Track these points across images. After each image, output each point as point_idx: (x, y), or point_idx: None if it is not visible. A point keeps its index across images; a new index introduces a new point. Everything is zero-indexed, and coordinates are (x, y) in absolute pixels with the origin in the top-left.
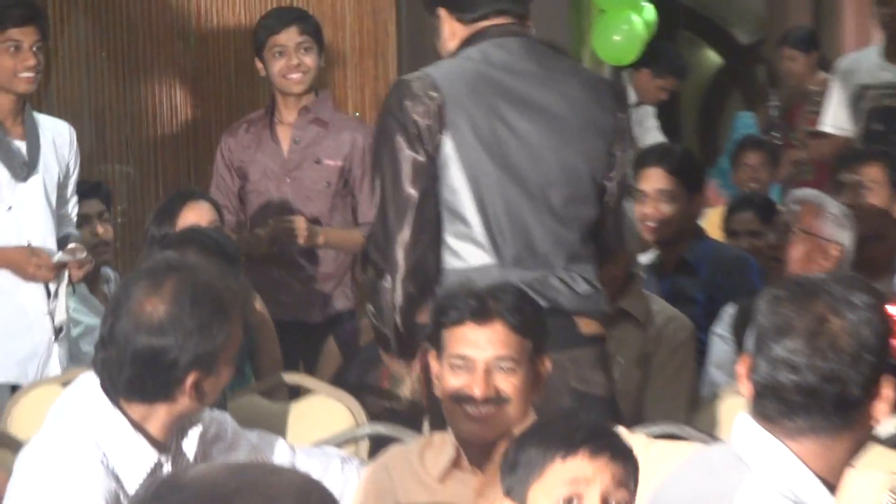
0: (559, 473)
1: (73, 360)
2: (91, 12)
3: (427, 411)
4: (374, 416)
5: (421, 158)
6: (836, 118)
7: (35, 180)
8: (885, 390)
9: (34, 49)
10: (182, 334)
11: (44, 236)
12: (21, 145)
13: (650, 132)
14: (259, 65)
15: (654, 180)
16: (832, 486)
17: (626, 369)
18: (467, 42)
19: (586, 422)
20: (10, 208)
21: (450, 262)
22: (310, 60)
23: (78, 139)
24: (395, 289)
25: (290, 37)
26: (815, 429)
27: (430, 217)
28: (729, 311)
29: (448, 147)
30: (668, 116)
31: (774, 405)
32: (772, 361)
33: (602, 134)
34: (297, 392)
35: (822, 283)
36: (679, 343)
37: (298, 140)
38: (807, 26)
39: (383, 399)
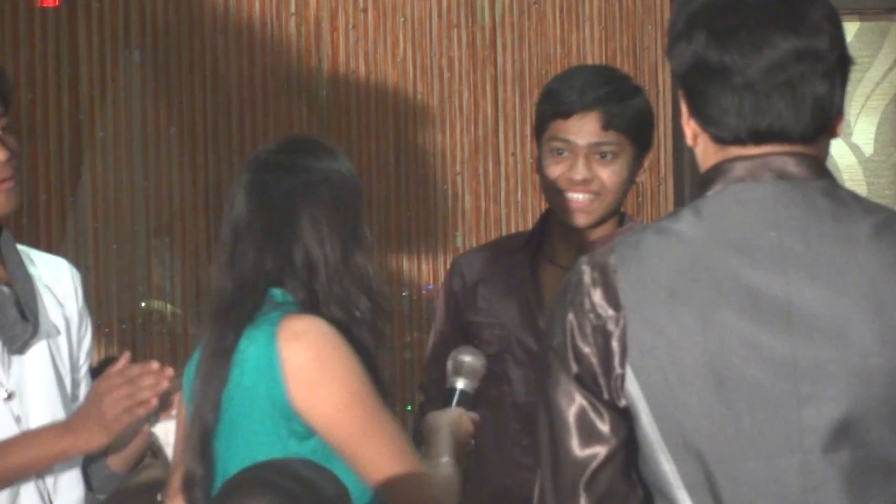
0: None
1: None
2: (154, 62)
3: None
4: None
5: (596, 407)
6: None
7: (38, 350)
8: None
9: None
10: None
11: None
12: (8, 294)
13: None
14: (536, 155)
15: None
16: None
17: None
18: (705, 180)
19: None
20: (8, 396)
21: None
22: (607, 176)
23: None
24: None
25: (585, 128)
26: None
27: (617, 492)
28: None
29: (633, 388)
30: None
31: None
32: None
33: None
34: None
35: None
36: None
37: None
38: None
39: None
